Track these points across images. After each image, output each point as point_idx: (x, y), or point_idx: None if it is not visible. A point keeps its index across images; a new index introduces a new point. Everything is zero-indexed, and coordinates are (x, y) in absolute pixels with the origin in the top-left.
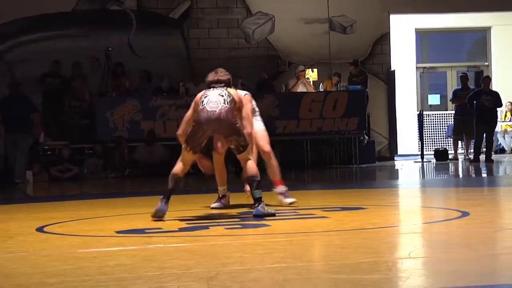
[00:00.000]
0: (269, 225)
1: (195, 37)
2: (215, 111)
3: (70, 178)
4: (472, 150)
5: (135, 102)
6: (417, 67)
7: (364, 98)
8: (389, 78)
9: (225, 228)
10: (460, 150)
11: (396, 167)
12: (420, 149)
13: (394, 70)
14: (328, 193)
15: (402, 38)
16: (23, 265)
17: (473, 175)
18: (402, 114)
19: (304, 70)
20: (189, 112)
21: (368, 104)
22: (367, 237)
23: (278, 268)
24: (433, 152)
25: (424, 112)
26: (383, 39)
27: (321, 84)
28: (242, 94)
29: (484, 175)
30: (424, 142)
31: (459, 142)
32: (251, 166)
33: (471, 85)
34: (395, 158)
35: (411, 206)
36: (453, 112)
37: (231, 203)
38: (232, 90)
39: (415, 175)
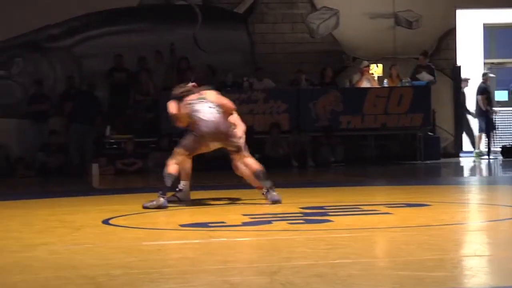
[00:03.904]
0: (332, 221)
1: (260, 32)
2: (213, 120)
3: (135, 171)
4: None
5: None
6: (484, 63)
7: (430, 93)
8: (455, 74)
9: (288, 223)
10: None
11: (461, 164)
12: (486, 146)
13: (460, 66)
14: (392, 189)
15: (469, 33)
16: (89, 256)
17: None
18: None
19: (368, 66)
20: (175, 107)
21: (433, 99)
22: (432, 234)
23: (341, 263)
24: (500, 149)
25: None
26: (449, 34)
27: (385, 79)
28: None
29: None
30: (491, 139)
31: None
32: (252, 162)
33: None
34: (461, 154)
35: (477, 204)
36: None
37: (288, 200)
38: (210, 95)
39: (481, 172)
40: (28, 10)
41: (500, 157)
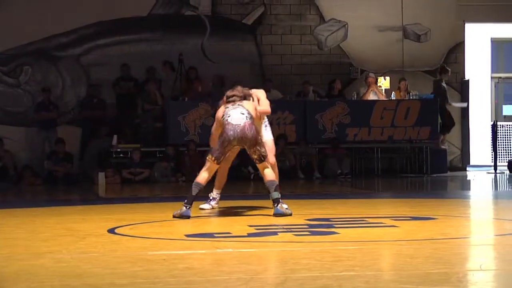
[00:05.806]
0: (338, 233)
1: (268, 43)
2: (240, 124)
3: (141, 181)
4: None
5: (207, 107)
6: (492, 77)
7: (437, 107)
8: (463, 88)
9: (293, 234)
10: None
11: (468, 178)
12: (493, 160)
13: (468, 80)
14: (398, 202)
15: (477, 47)
16: (95, 265)
17: None
18: (476, 124)
19: (373, 77)
20: (215, 127)
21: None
22: (437, 248)
23: (346, 276)
24: (506, 164)
25: (498, 123)
26: (457, 48)
27: (393, 92)
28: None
29: None
30: (498, 153)
31: None
32: (269, 172)
33: None
34: (468, 168)
35: (483, 218)
36: None
37: (295, 211)
38: (247, 105)
39: (488, 186)
40: (38, 19)
41: (507, 171)
